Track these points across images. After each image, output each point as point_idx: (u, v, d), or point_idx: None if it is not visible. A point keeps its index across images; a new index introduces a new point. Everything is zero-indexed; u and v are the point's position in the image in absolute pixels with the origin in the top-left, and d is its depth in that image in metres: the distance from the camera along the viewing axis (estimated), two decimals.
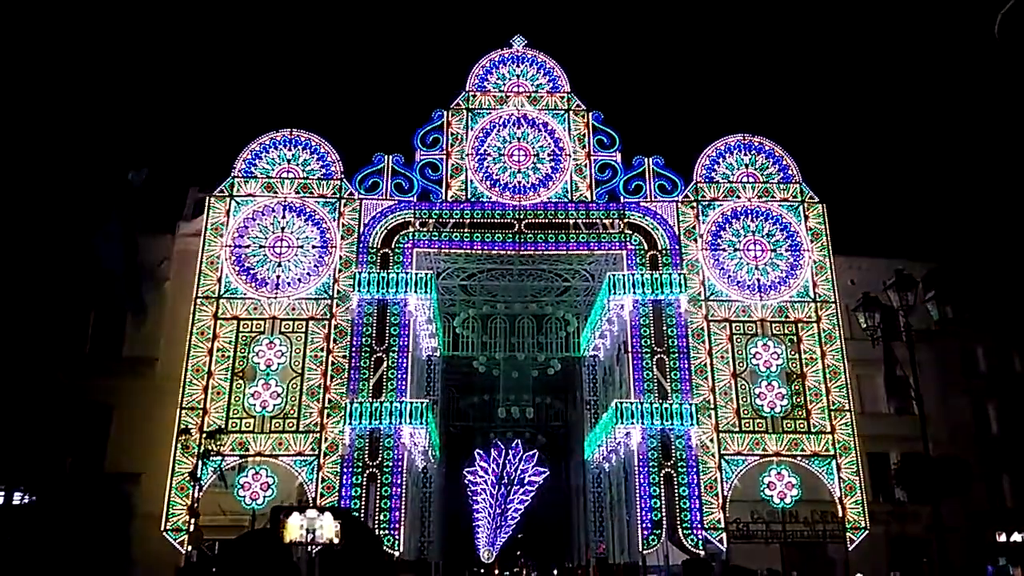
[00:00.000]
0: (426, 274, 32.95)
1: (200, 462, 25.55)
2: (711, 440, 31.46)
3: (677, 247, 33.78)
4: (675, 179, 34.80)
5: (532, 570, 66.00)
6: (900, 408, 32.06)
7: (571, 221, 34.17)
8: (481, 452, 57.26)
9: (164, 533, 29.13)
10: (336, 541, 17.40)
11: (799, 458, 31.47)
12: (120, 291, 28.05)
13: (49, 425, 29.83)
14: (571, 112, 35.75)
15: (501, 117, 35.56)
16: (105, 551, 28.52)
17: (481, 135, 35.18)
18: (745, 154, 35.46)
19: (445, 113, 35.39)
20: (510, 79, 36.25)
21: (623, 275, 33.15)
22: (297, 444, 30.61)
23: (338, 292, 32.49)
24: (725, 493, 30.91)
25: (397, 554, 29.80)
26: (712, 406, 31.84)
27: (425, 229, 33.87)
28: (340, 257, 32.95)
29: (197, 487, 26.69)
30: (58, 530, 28.39)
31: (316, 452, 30.53)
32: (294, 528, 17.29)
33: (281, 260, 32.82)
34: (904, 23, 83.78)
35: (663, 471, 31.25)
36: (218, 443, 27.36)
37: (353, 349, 31.90)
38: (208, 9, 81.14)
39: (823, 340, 32.80)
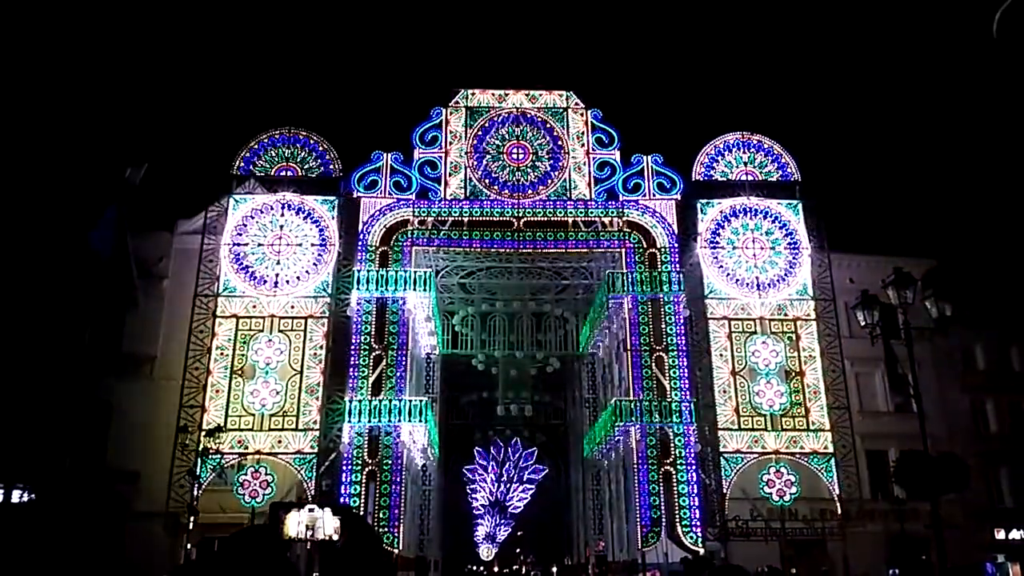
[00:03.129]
0: (425, 272, 32.96)
1: (199, 460, 25.56)
2: (710, 438, 31.47)
3: (676, 245, 33.80)
4: (674, 177, 34.79)
5: (532, 567, 66.10)
6: (901, 405, 32.10)
7: (570, 219, 34.21)
8: (480, 450, 57.37)
9: (163, 531, 29.12)
10: (336, 537, 17.42)
11: (798, 456, 31.50)
12: (111, 283, 28.05)
13: (48, 423, 29.81)
14: (570, 110, 35.76)
15: (500, 115, 35.56)
16: (103, 549, 28.48)
17: (480, 133, 35.19)
18: (744, 152, 35.46)
19: (443, 111, 35.40)
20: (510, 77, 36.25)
21: (622, 273, 33.17)
22: (296, 442, 30.61)
23: (337, 290, 32.51)
24: (724, 491, 30.94)
25: (396, 551, 29.82)
26: (711, 404, 31.86)
27: (424, 227, 33.89)
28: (339, 255, 32.96)
29: (196, 485, 26.70)
30: (57, 528, 28.36)
31: (315, 450, 30.54)
32: (293, 524, 17.31)
33: (280, 258, 32.82)
34: (903, 21, 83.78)
35: (662, 469, 31.29)
36: (217, 441, 27.39)
37: (352, 347, 31.91)
38: (207, 7, 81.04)
39: (822, 338, 32.83)
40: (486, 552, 64.81)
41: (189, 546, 26.51)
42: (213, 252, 32.66)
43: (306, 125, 34.88)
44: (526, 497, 61.94)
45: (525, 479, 61.42)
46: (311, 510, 18.07)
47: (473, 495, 62.63)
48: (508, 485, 60.94)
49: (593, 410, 41.58)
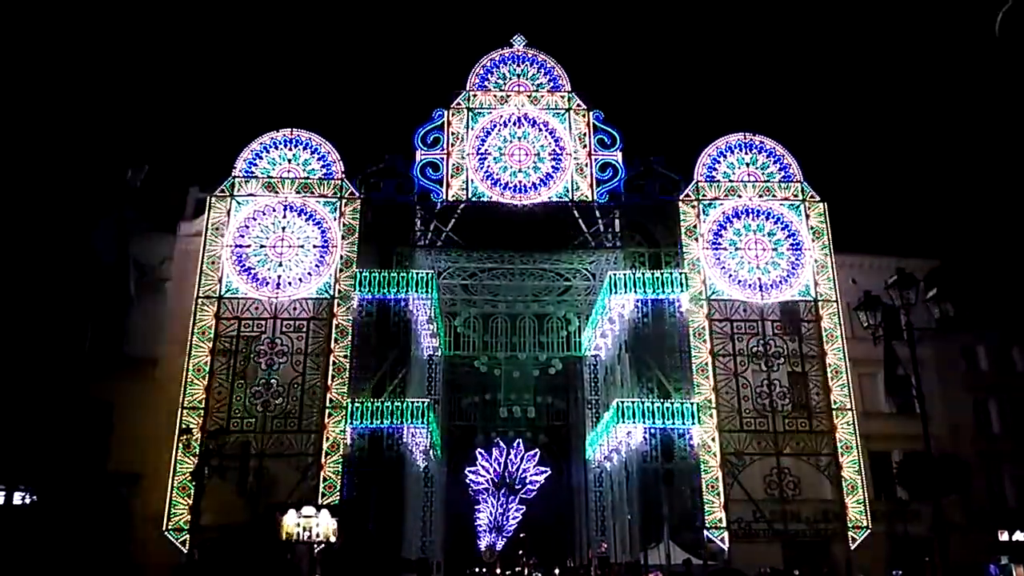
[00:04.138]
0: (427, 273, 32.94)
1: (201, 462, 25.54)
2: (712, 439, 31.42)
3: (678, 246, 33.75)
4: (676, 179, 34.73)
5: (534, 569, 65.98)
6: (900, 407, 32.00)
7: (572, 221, 34.19)
8: (483, 452, 57.33)
9: (165, 533, 29.12)
10: (332, 539, 17.39)
11: (801, 457, 31.40)
12: (112, 284, 28.12)
13: (50, 425, 29.83)
14: (572, 111, 35.68)
15: (502, 116, 35.48)
16: (105, 551, 28.52)
17: (482, 134, 35.12)
18: (746, 153, 35.36)
19: (445, 112, 35.33)
20: (511, 78, 36.17)
21: (624, 274, 33.13)
22: (298, 444, 30.58)
23: (339, 292, 32.50)
24: (727, 492, 30.86)
25: (399, 553, 29.82)
26: (713, 405, 31.79)
27: (426, 229, 33.89)
28: (341, 257, 32.95)
29: (198, 487, 26.65)
30: (59, 530, 28.40)
31: (317, 452, 30.50)
32: (290, 525, 17.28)
33: (282, 260, 32.81)
34: (905, 21, 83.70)
35: (664, 470, 31.23)
36: (219, 443, 27.37)
37: (354, 349, 31.90)
38: (208, 7, 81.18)
39: (824, 339, 32.74)
40: (487, 554, 64.71)
41: (191, 548, 26.52)
42: (215, 254, 32.67)
43: (308, 127, 34.88)
44: (528, 497, 61.95)
45: (527, 481, 61.39)
46: (307, 512, 18.09)
47: (476, 497, 62.67)
48: (510, 487, 60.88)
49: (595, 411, 41.57)
